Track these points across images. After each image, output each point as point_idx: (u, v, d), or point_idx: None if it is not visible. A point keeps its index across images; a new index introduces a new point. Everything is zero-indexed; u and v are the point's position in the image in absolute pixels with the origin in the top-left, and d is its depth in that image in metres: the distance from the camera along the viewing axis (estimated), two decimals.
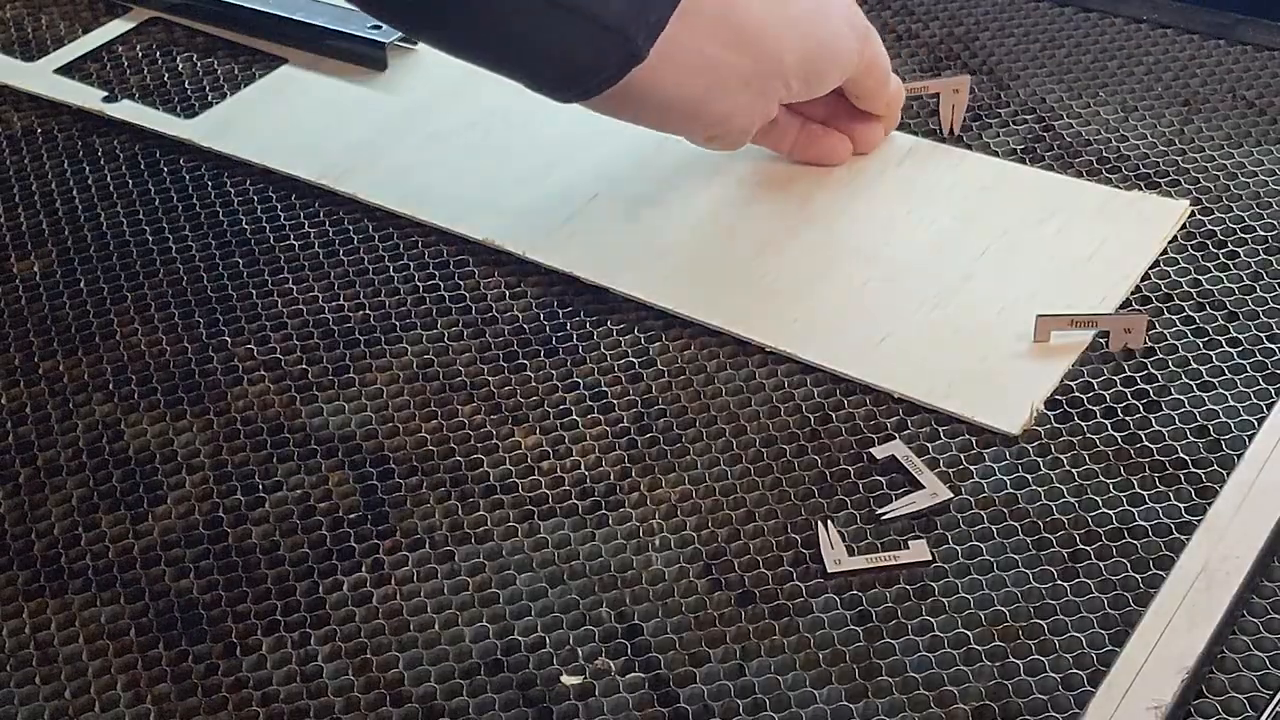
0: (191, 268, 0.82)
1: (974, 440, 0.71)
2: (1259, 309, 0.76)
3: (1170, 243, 0.81)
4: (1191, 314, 0.76)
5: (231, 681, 0.63)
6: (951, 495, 0.68)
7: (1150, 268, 0.79)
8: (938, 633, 0.63)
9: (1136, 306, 0.77)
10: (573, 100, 0.73)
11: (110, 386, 0.76)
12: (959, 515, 0.67)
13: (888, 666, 0.62)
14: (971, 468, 0.69)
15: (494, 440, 0.72)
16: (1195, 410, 0.71)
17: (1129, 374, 0.73)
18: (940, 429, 0.71)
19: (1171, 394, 0.72)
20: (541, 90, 0.74)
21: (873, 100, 0.83)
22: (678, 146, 0.88)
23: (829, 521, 0.67)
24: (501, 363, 0.76)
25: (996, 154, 0.87)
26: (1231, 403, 0.71)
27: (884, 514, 0.67)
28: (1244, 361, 0.74)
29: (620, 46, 0.67)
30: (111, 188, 0.88)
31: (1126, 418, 0.71)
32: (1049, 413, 0.72)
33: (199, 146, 0.91)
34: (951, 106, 0.88)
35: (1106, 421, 0.71)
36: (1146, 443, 0.70)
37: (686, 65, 0.70)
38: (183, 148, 0.91)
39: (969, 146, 0.88)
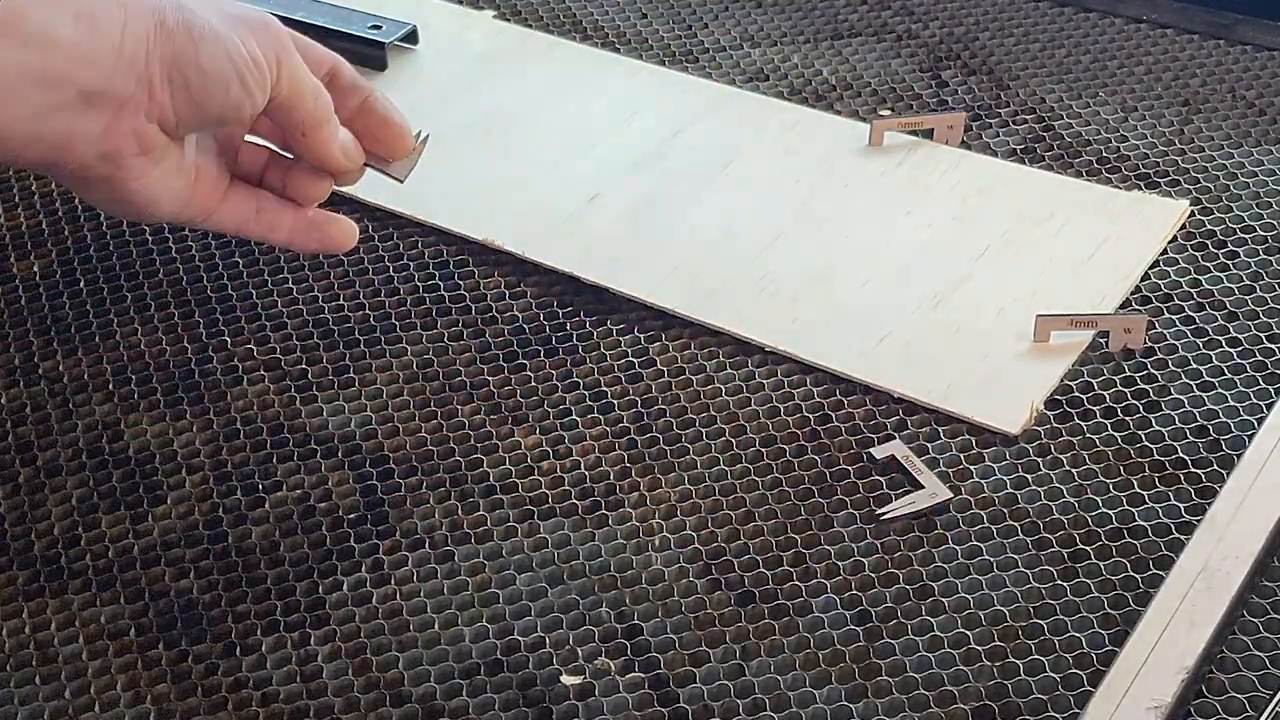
0: (191, 268, 0.82)
1: (974, 440, 0.71)
2: (1259, 309, 0.77)
3: (1170, 243, 0.81)
4: (1191, 314, 0.76)
5: (231, 681, 0.63)
6: (951, 495, 0.68)
7: (1150, 268, 0.79)
8: (938, 633, 0.63)
9: (1136, 306, 0.77)
10: None
11: (110, 386, 0.76)
12: (959, 515, 0.67)
13: (888, 666, 0.62)
14: (971, 468, 0.69)
15: (494, 440, 0.72)
16: (1195, 410, 0.71)
17: (1129, 374, 0.73)
18: (940, 429, 0.71)
19: (1171, 394, 0.72)
20: None
21: (316, 141, 0.66)
22: (678, 147, 0.88)
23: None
24: (501, 363, 0.76)
25: (996, 154, 0.87)
26: (1231, 403, 0.72)
27: (884, 514, 0.67)
28: (1244, 361, 0.74)
29: None
30: None
31: (1126, 418, 0.71)
32: (1049, 413, 0.72)
33: None
34: (945, 141, 0.88)
35: (1106, 421, 0.71)
36: (1146, 443, 0.70)
37: (10, 80, 0.59)
38: None
39: (969, 146, 0.88)
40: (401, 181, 0.69)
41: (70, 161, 0.63)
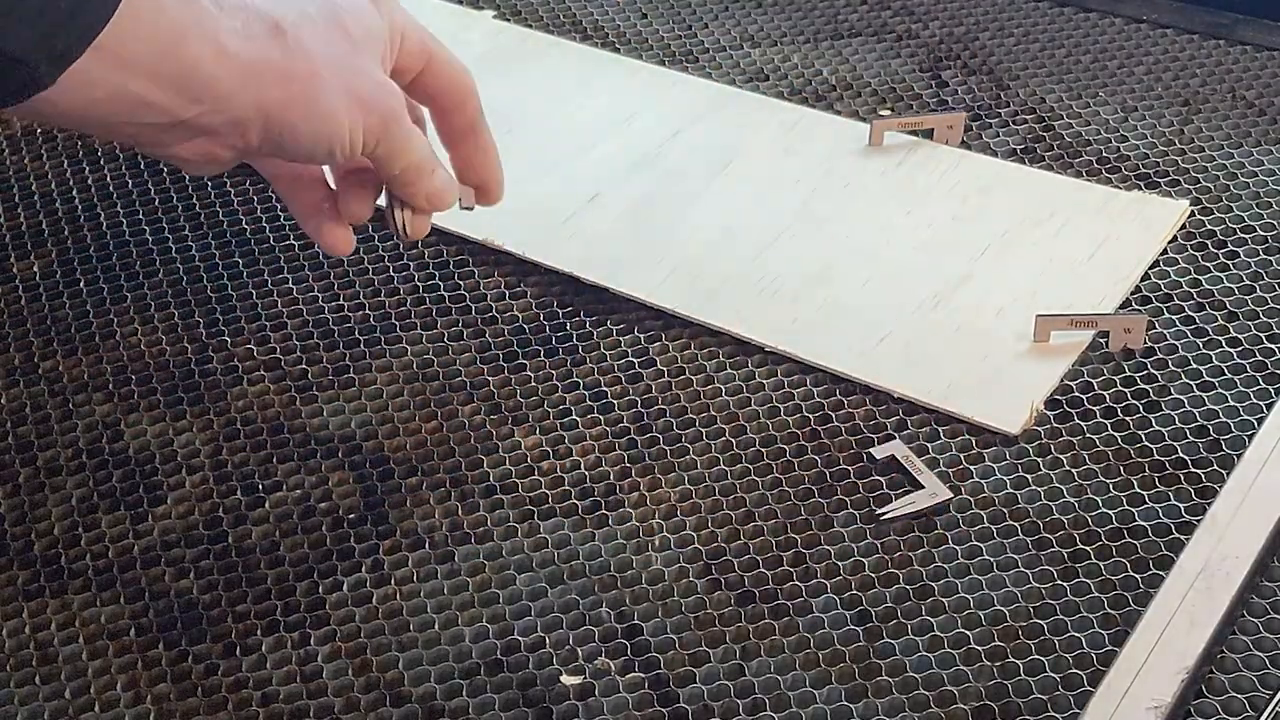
0: (191, 268, 0.82)
1: (974, 440, 0.71)
2: (1259, 309, 0.77)
3: (1170, 243, 0.81)
4: (1191, 314, 0.76)
5: (231, 681, 0.63)
6: (951, 495, 0.68)
7: (1150, 268, 0.79)
8: (938, 633, 0.63)
9: (1136, 306, 0.77)
10: None
11: (110, 386, 0.76)
12: (959, 515, 0.67)
13: (888, 666, 0.62)
14: (971, 468, 0.69)
15: (494, 440, 0.72)
16: (1195, 410, 0.71)
17: (1129, 374, 0.73)
18: (940, 429, 0.71)
19: (1171, 394, 0.72)
20: None
21: (405, 191, 0.70)
22: (678, 147, 0.88)
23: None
24: (501, 363, 0.76)
25: (996, 154, 0.87)
26: (1231, 403, 0.72)
27: (884, 514, 0.67)
28: (1244, 361, 0.74)
29: (19, 74, 0.62)
30: (111, 188, 0.88)
31: (1126, 418, 0.71)
32: (1049, 413, 0.72)
33: None
34: (945, 141, 0.88)
35: (1106, 421, 0.71)
36: (1146, 443, 0.70)
37: (101, 95, 0.63)
38: None
39: (969, 146, 0.88)
40: (471, 210, 0.73)
41: (145, 149, 0.68)
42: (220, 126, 0.65)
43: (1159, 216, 0.82)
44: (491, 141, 0.73)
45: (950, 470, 0.69)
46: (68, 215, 0.87)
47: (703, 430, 0.72)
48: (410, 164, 0.68)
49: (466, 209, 0.72)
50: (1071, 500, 0.68)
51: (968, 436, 0.71)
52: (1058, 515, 0.67)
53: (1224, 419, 0.71)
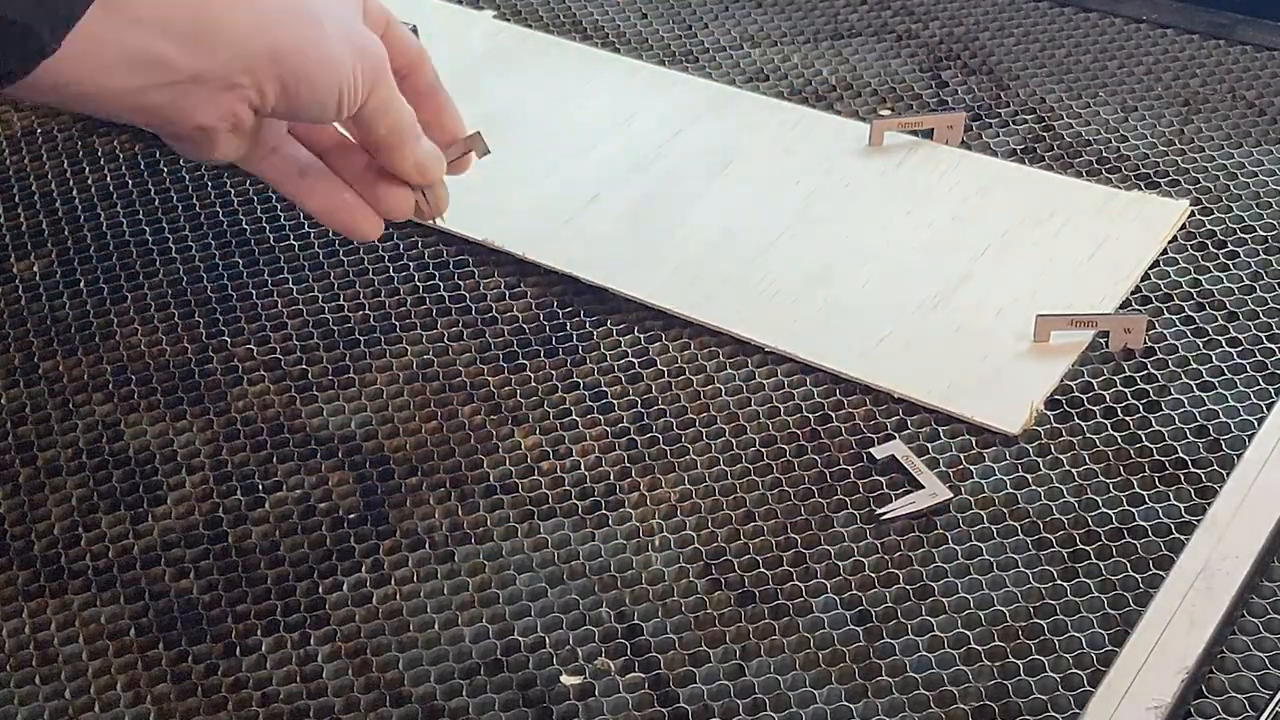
0: (191, 268, 0.82)
1: (974, 440, 0.71)
2: (1259, 309, 0.77)
3: (1170, 243, 0.81)
4: (1191, 314, 0.76)
5: (231, 681, 0.63)
6: (951, 495, 0.68)
7: (1150, 268, 0.79)
8: (938, 633, 0.63)
9: (1136, 306, 0.77)
10: None
11: (110, 386, 0.76)
12: (959, 515, 0.67)
13: (888, 666, 0.62)
14: (971, 468, 0.69)
15: (494, 440, 0.72)
16: (1195, 410, 0.71)
17: (1129, 374, 0.73)
18: (940, 429, 0.71)
19: (1171, 394, 0.72)
20: None
21: (392, 157, 0.71)
22: (678, 147, 0.88)
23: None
24: (501, 363, 0.76)
25: (996, 154, 0.87)
26: (1231, 403, 0.72)
27: (884, 514, 0.67)
28: (1244, 361, 0.74)
29: (21, 40, 0.58)
30: (111, 188, 0.88)
31: (1126, 418, 0.71)
32: (1049, 413, 0.72)
33: None
34: (945, 141, 0.88)
35: (1106, 421, 0.71)
36: (1146, 443, 0.70)
37: (112, 58, 0.62)
38: None
39: (969, 146, 0.88)
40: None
41: (165, 127, 0.66)
42: (236, 76, 0.65)
43: (1159, 216, 0.82)
44: (451, 99, 0.74)
45: (950, 470, 0.69)
46: (68, 215, 0.87)
47: (703, 430, 0.72)
48: (395, 122, 0.69)
49: (486, 154, 0.74)
50: (1071, 500, 0.68)
51: (968, 436, 0.71)
52: (1058, 515, 0.67)
53: (1224, 419, 0.71)
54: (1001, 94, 0.92)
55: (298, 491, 0.70)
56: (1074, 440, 0.70)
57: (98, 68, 0.62)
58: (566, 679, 0.62)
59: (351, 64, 0.67)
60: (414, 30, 0.97)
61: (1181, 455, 0.69)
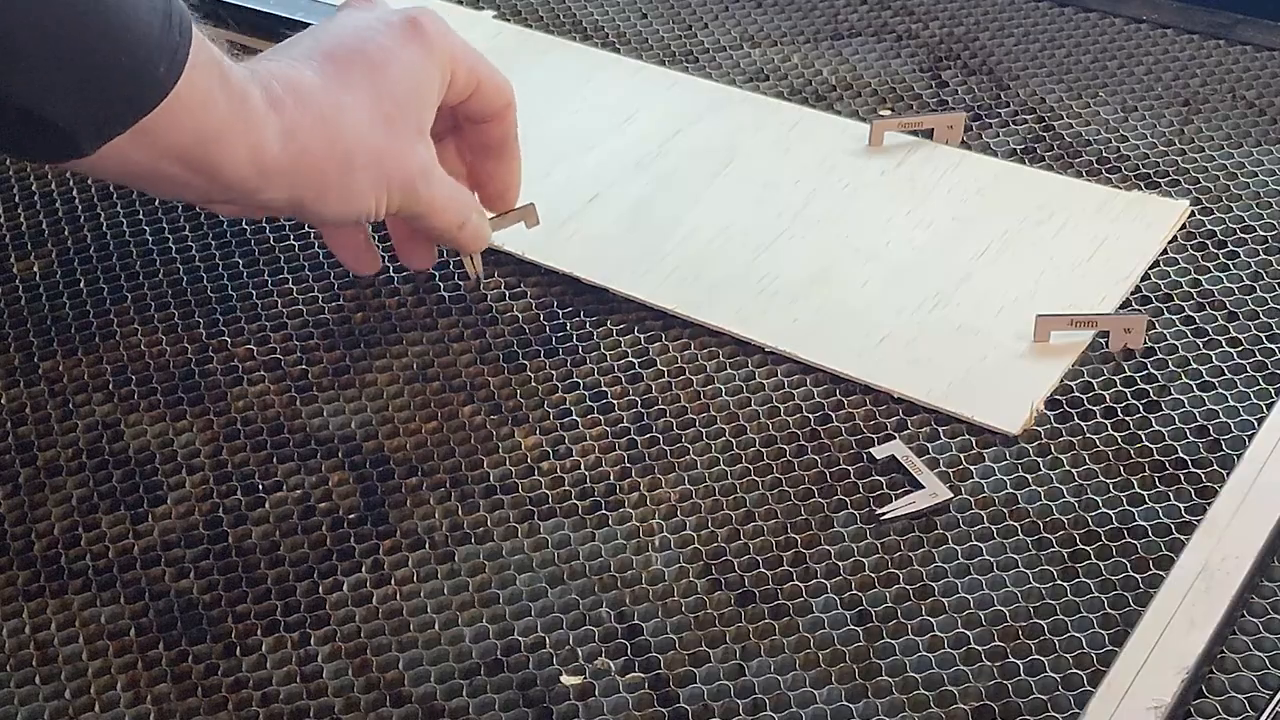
0: (191, 268, 0.82)
1: (974, 440, 0.71)
2: (1259, 309, 0.77)
3: (1170, 243, 0.81)
4: (1191, 314, 0.76)
5: (231, 681, 0.63)
6: (951, 495, 0.68)
7: (1150, 268, 0.79)
8: (938, 633, 0.63)
9: (1136, 306, 0.77)
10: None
11: (110, 386, 0.76)
12: (959, 515, 0.67)
13: (888, 666, 0.62)
14: (971, 468, 0.69)
15: (494, 440, 0.72)
16: (1195, 410, 0.71)
17: (1129, 374, 0.73)
18: (940, 429, 0.71)
19: (1171, 394, 0.72)
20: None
21: (434, 236, 0.75)
22: (678, 147, 0.88)
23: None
24: (501, 363, 0.76)
25: (996, 154, 0.87)
26: (1231, 403, 0.72)
27: (884, 514, 0.67)
28: (1244, 361, 0.74)
29: (60, 140, 0.59)
30: (111, 188, 0.88)
31: (1126, 418, 0.71)
32: (1049, 413, 0.72)
33: None
34: (945, 141, 0.88)
35: (1106, 421, 0.71)
36: (1146, 443, 0.70)
37: (144, 169, 0.64)
38: None
39: (969, 146, 0.88)
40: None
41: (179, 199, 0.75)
42: (252, 205, 0.70)
43: (1159, 216, 0.82)
44: (518, 153, 0.77)
45: (950, 470, 0.69)
46: (68, 215, 0.87)
47: (703, 430, 0.72)
48: (433, 230, 0.73)
49: (535, 226, 0.78)
50: (1071, 500, 0.68)
51: (968, 436, 0.71)
52: (1058, 515, 0.67)
53: (1224, 419, 0.71)
54: (1001, 94, 0.92)
55: (298, 491, 0.70)
56: (1074, 440, 0.70)
57: (121, 169, 0.65)
58: (566, 679, 0.62)
59: (376, 196, 0.69)
60: None
61: (1181, 455, 0.69)
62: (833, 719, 0.60)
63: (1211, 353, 0.74)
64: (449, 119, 0.74)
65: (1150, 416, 0.71)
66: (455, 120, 0.75)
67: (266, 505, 0.70)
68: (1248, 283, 0.78)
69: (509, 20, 1.01)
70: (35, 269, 0.83)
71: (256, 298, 0.80)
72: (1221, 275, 0.79)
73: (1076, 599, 0.63)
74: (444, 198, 0.72)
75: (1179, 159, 0.86)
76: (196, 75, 0.61)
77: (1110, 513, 0.67)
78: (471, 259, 0.79)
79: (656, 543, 0.67)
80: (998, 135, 0.89)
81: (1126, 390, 0.73)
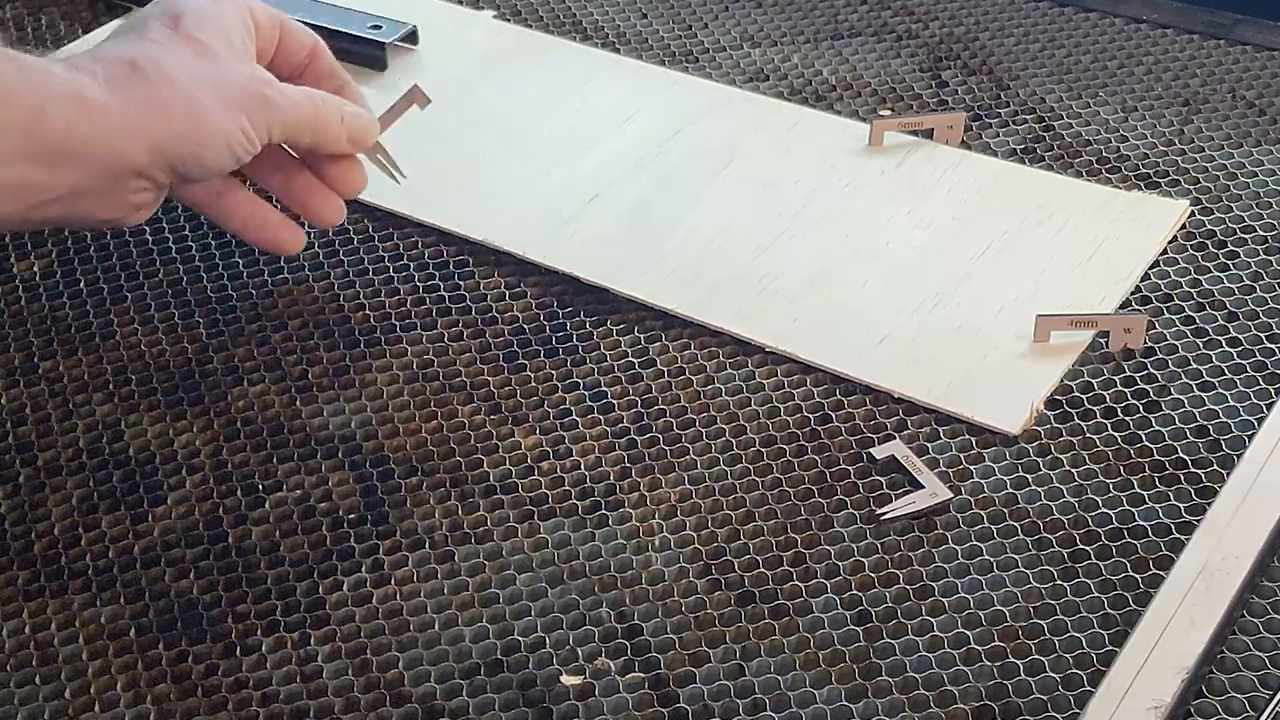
0: (191, 268, 0.82)
1: (974, 440, 0.71)
2: (1259, 309, 0.77)
3: (1170, 243, 0.81)
4: (1191, 314, 0.76)
5: (231, 681, 0.63)
6: (951, 495, 0.68)
7: (1150, 268, 0.79)
8: (938, 633, 0.63)
9: (1136, 306, 0.77)
10: None
11: (110, 386, 0.76)
12: (959, 515, 0.67)
13: (888, 666, 0.62)
14: (971, 468, 0.69)
15: (494, 440, 0.72)
16: (1195, 410, 0.71)
17: (1129, 374, 0.73)
18: (940, 429, 0.71)
19: (1171, 394, 0.72)
20: None
21: (329, 151, 0.73)
22: (678, 147, 0.88)
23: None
24: (501, 363, 0.76)
25: (996, 154, 0.88)
26: (1231, 403, 0.72)
27: (884, 514, 0.67)
28: (1244, 361, 0.74)
29: None
30: None
31: (1126, 418, 0.71)
32: (1049, 413, 0.72)
33: None
34: (945, 141, 0.88)
35: (1106, 421, 0.71)
36: (1146, 443, 0.70)
37: None
38: None
39: (969, 146, 0.88)
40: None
41: (71, 225, 0.71)
42: (122, 178, 0.67)
43: (1159, 216, 0.82)
44: (349, 77, 0.77)
45: (950, 470, 0.69)
46: None
47: (703, 430, 0.72)
48: (311, 131, 0.71)
49: (428, 104, 0.78)
50: (1071, 500, 0.68)
51: (968, 436, 0.71)
52: (1058, 515, 0.67)
53: (1224, 419, 0.71)
54: (1001, 94, 0.92)
55: (298, 491, 0.70)
56: (1074, 440, 0.70)
57: None
58: (566, 679, 0.62)
59: (236, 121, 0.68)
60: (413, 32, 0.97)
61: (1181, 455, 0.69)
62: (833, 719, 0.60)
63: (1211, 353, 0.74)
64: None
65: (1150, 416, 0.71)
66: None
67: (266, 505, 0.70)
68: (1248, 283, 0.78)
69: (509, 20, 1.01)
70: (35, 269, 0.83)
71: (256, 298, 0.80)
72: (1221, 275, 0.79)
73: (1076, 599, 0.63)
74: (302, 94, 0.71)
75: (1179, 159, 0.86)
76: None
77: (1110, 513, 0.67)
78: (381, 160, 0.77)
79: (656, 543, 0.67)
80: (998, 135, 0.89)
81: (1126, 390, 0.73)
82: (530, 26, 1.00)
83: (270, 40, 0.73)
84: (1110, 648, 0.61)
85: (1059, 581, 0.64)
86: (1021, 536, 0.66)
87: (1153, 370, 0.74)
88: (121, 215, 0.69)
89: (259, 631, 0.64)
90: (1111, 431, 0.71)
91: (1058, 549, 0.66)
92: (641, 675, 0.62)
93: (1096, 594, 0.64)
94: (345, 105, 0.73)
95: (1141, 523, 0.66)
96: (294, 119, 0.70)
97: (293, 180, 0.75)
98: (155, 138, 0.65)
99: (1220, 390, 0.72)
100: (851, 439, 0.71)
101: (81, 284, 0.82)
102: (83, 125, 0.63)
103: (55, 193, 0.65)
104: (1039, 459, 0.70)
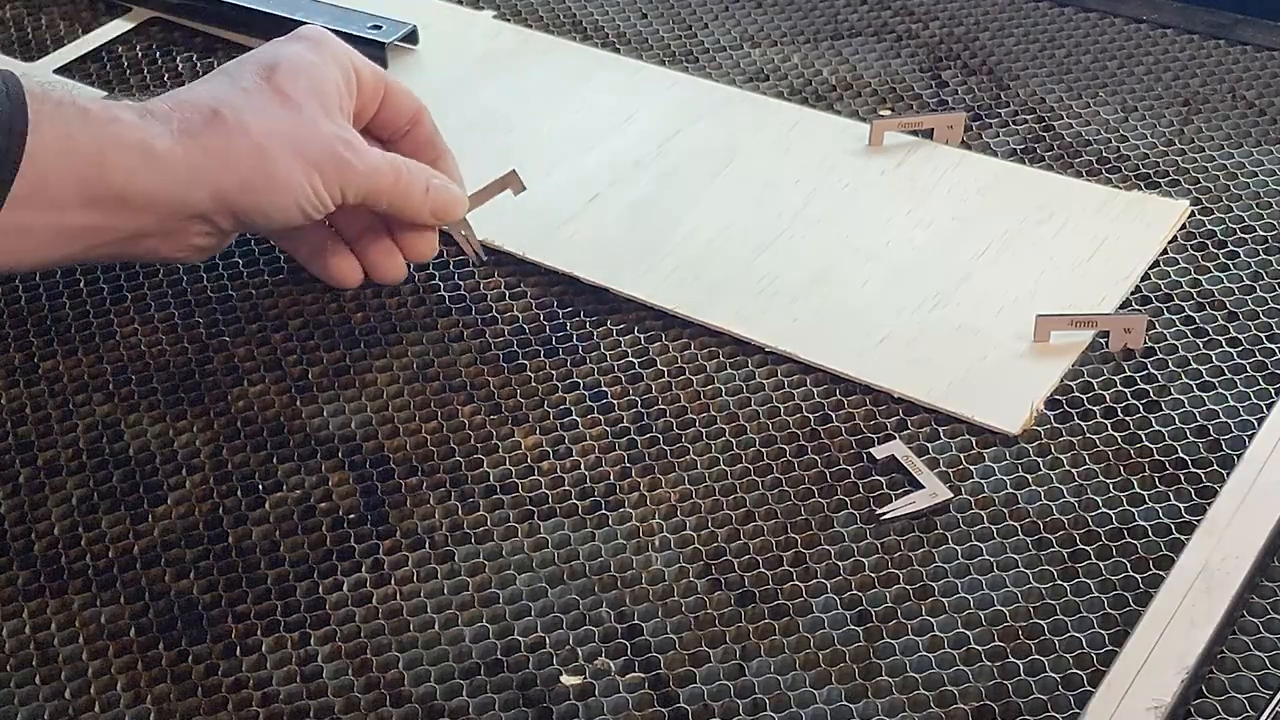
0: (191, 268, 0.82)
1: (974, 440, 0.71)
2: (1259, 309, 0.77)
3: (1170, 243, 0.81)
4: (1191, 314, 0.76)
5: (231, 681, 0.63)
6: (951, 495, 0.68)
7: (1150, 268, 0.79)
8: (938, 633, 0.63)
9: (1136, 306, 0.77)
10: None
11: (110, 386, 0.76)
12: (959, 515, 0.67)
13: (888, 666, 0.62)
14: (971, 468, 0.69)
15: (494, 440, 0.72)
16: (1195, 410, 0.71)
17: (1129, 374, 0.73)
18: (940, 429, 0.71)
19: (1171, 394, 0.72)
20: None
21: (407, 215, 0.74)
22: (678, 147, 0.88)
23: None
24: (501, 363, 0.76)
25: (996, 154, 0.88)
26: (1231, 403, 0.72)
27: (884, 514, 0.67)
28: (1244, 361, 0.74)
29: None
30: None
31: (1126, 418, 0.71)
32: (1049, 413, 0.72)
33: None
34: (945, 141, 0.88)
35: (1106, 421, 0.71)
36: (1146, 443, 0.70)
37: (44, 238, 0.64)
38: None
39: (969, 146, 0.88)
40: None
41: (135, 262, 0.71)
42: (184, 224, 0.67)
43: (1159, 216, 0.82)
44: (450, 150, 0.78)
45: (950, 470, 0.69)
46: None
47: (703, 430, 0.72)
48: (389, 199, 0.72)
49: (522, 191, 0.80)
50: (1071, 500, 0.68)
51: (968, 436, 0.71)
52: (1058, 515, 0.67)
53: (1224, 419, 0.71)
54: (1001, 94, 0.92)
55: (298, 491, 0.70)
56: (1074, 440, 0.70)
57: (30, 247, 0.63)
58: (566, 679, 0.62)
59: (308, 179, 0.68)
60: (413, 32, 0.97)
61: (1181, 455, 0.69)
62: (833, 719, 0.60)
63: (1211, 353, 0.74)
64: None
65: (1150, 416, 0.71)
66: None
67: (266, 505, 0.70)
68: (1248, 283, 0.78)
69: (509, 20, 1.01)
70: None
71: (257, 298, 0.80)
72: (1221, 275, 0.79)
73: (1076, 599, 0.63)
74: (383, 159, 0.71)
75: (1179, 159, 0.86)
76: (46, 127, 0.61)
77: (1110, 513, 0.67)
78: (465, 236, 0.78)
79: (656, 543, 0.67)
80: (998, 135, 0.89)
81: (1126, 390, 0.73)
82: (530, 26, 1.00)
83: (373, 100, 0.73)
84: (1110, 648, 0.61)
85: (1059, 581, 0.64)
86: (1021, 536, 0.66)
87: (1153, 370, 0.74)
88: (185, 255, 0.71)
89: (259, 631, 0.64)
90: (1111, 431, 0.71)
91: (1058, 549, 0.66)
92: (641, 675, 0.62)
93: (1096, 594, 0.64)
94: (434, 177, 0.73)
95: (1141, 523, 0.66)
96: (370, 185, 0.70)
97: (365, 233, 0.76)
98: (220, 187, 0.66)
99: (1220, 390, 0.72)
100: (851, 439, 0.71)
101: (81, 284, 0.82)
102: (145, 173, 0.64)
103: (116, 235, 0.66)
104: (1039, 459, 0.70)
